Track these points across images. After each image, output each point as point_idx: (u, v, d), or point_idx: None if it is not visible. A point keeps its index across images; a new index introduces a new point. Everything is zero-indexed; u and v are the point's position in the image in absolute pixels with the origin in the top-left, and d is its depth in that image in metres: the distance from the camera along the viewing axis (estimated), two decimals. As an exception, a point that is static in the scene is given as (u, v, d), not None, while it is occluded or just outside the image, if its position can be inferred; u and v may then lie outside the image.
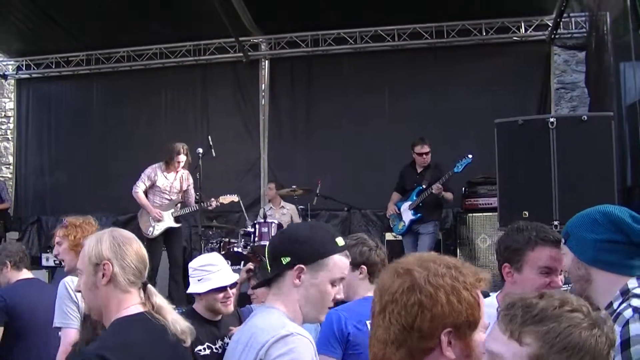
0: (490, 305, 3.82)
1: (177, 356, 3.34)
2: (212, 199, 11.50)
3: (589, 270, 3.16)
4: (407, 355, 2.21)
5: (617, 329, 2.83)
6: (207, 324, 5.23)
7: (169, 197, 11.83)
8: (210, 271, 5.26)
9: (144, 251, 3.46)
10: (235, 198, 11.87)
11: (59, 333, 5.20)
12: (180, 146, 11.63)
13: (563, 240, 3.32)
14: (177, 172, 11.79)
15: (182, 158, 11.64)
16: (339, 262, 3.16)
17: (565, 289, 4.09)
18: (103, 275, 3.33)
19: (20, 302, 6.03)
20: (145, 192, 11.78)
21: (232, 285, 5.29)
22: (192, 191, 12.00)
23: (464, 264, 2.32)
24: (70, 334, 5.05)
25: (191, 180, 12.00)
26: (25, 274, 6.44)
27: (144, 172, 11.78)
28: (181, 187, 11.90)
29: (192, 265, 5.36)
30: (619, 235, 3.10)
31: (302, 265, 3.11)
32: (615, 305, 3.03)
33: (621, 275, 3.10)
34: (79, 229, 5.45)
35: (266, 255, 3.27)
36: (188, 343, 3.33)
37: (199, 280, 5.21)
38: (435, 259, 2.31)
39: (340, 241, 3.20)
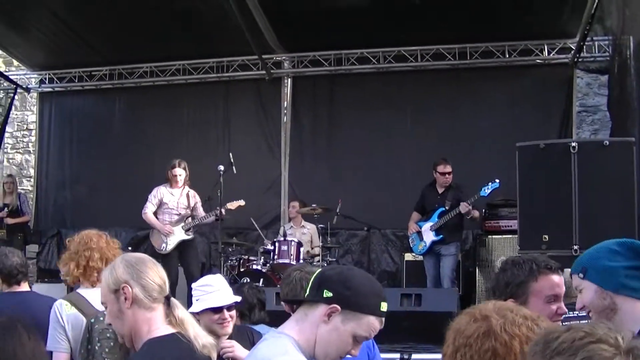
0: None
1: None
2: (221, 210, 11.47)
3: (615, 299, 3.14)
4: None
5: None
6: None
7: (177, 213, 11.88)
8: (207, 291, 5.20)
9: (159, 267, 3.47)
10: (241, 202, 11.79)
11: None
12: (175, 161, 11.82)
13: (581, 275, 3.28)
14: (181, 187, 11.90)
15: (178, 171, 11.76)
16: (372, 324, 3.08)
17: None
18: (125, 299, 3.36)
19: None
20: (155, 214, 11.88)
21: (230, 307, 5.24)
22: (201, 209, 12.05)
23: (540, 316, 2.32)
24: (58, 357, 5.07)
25: (198, 198, 12.09)
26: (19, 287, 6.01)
27: (150, 194, 11.92)
28: (189, 203, 11.94)
29: (193, 285, 5.36)
30: None
31: (339, 307, 3.04)
32: None
33: None
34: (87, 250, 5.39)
35: (312, 279, 3.21)
36: (214, 358, 3.32)
37: (197, 300, 5.20)
38: (513, 308, 2.31)
39: (384, 307, 3.13)
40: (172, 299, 3.42)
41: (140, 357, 3.41)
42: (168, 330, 3.36)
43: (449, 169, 11.47)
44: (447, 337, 2.38)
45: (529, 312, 2.29)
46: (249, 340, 5.29)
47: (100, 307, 5.21)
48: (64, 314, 5.09)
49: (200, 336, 3.36)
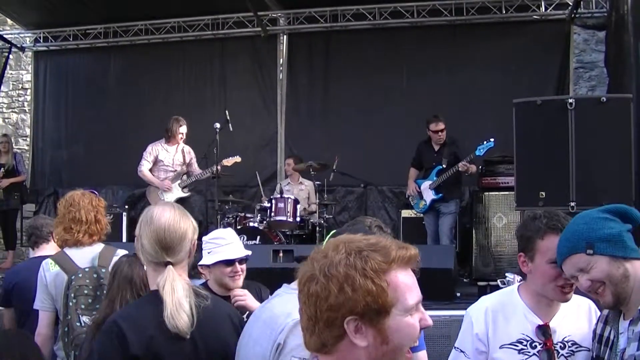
0: (508, 293, 3.82)
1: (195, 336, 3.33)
2: (217, 167, 11.49)
3: (625, 265, 3.13)
4: (320, 344, 2.20)
5: None
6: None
7: (172, 170, 11.90)
8: (220, 244, 5.24)
9: (166, 232, 3.43)
10: (237, 159, 11.84)
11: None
12: (180, 118, 11.82)
13: (590, 252, 3.18)
14: (177, 144, 11.88)
15: (184, 129, 11.78)
16: None
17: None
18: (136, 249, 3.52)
19: (20, 283, 5.90)
20: (150, 171, 11.89)
21: (242, 261, 5.27)
22: (196, 165, 12.09)
23: (380, 243, 2.23)
24: (44, 317, 5.18)
25: (194, 154, 12.11)
26: (43, 250, 6.16)
27: (145, 151, 11.91)
28: (184, 159, 11.94)
29: (204, 238, 5.35)
30: (633, 223, 3.17)
31: None
32: None
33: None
34: (71, 206, 5.45)
35: (327, 236, 3.23)
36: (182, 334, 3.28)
37: (208, 253, 5.21)
38: (342, 245, 2.22)
39: None
40: (169, 267, 3.40)
41: (128, 308, 3.77)
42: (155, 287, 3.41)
43: (441, 126, 11.42)
44: None
45: (362, 244, 2.22)
46: (258, 296, 5.32)
47: (84, 264, 5.25)
48: (47, 273, 5.17)
49: (177, 312, 3.28)
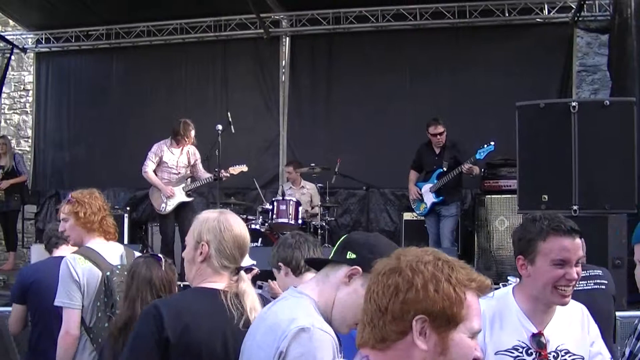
0: (503, 297, 3.79)
1: (228, 336, 3.42)
2: (222, 171, 11.45)
3: None
4: (380, 337, 2.21)
5: None
6: None
7: (176, 172, 11.81)
8: None
9: (243, 239, 3.64)
10: (244, 168, 11.79)
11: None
12: (190, 122, 11.69)
13: None
14: (183, 147, 11.81)
15: (194, 133, 11.69)
16: None
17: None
18: (200, 253, 3.60)
19: (39, 281, 5.77)
20: (154, 171, 11.80)
21: (246, 270, 5.26)
22: (200, 166, 12.00)
23: (464, 264, 2.28)
24: (72, 315, 4.99)
25: (198, 156, 12.01)
26: (63, 250, 6.13)
27: (150, 151, 11.80)
28: (189, 161, 11.88)
29: None
30: None
31: (360, 269, 3.06)
32: None
33: None
34: (87, 205, 5.31)
35: (338, 242, 3.24)
36: None
37: None
38: (431, 252, 2.30)
39: None
40: (242, 272, 3.60)
41: (174, 296, 4.07)
42: (214, 286, 3.56)
43: (440, 129, 11.39)
44: None
45: (449, 258, 2.28)
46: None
47: (114, 261, 5.22)
48: (79, 268, 5.03)
49: (254, 309, 3.49)
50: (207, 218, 3.67)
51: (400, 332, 2.17)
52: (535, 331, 3.52)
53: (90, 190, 5.52)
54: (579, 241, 3.51)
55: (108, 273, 5.03)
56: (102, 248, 5.25)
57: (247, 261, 5.33)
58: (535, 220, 3.63)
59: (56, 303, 5.01)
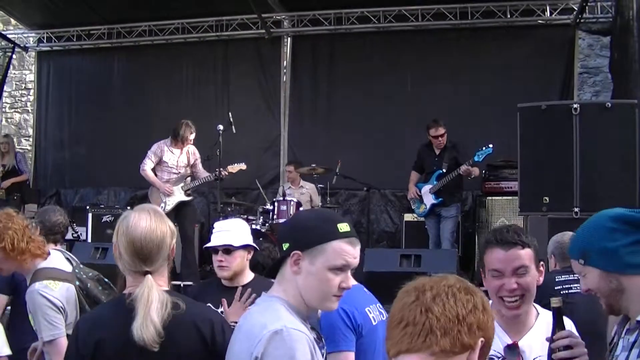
0: None
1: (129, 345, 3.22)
2: (220, 169, 11.41)
3: (620, 280, 3.06)
4: (449, 346, 2.12)
5: None
6: (224, 292, 5.22)
7: (176, 172, 11.78)
8: (214, 232, 5.30)
9: (140, 243, 3.36)
10: (243, 166, 11.72)
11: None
12: (191, 124, 11.65)
13: (582, 262, 3.17)
14: (183, 147, 11.80)
15: (194, 136, 11.67)
16: (339, 249, 3.00)
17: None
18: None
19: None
20: (154, 170, 11.77)
21: (227, 250, 5.21)
22: (200, 166, 11.98)
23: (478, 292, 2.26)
24: (62, 343, 4.58)
25: (198, 155, 11.99)
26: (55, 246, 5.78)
27: (149, 150, 11.78)
28: (188, 161, 11.85)
29: None
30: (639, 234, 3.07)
31: (299, 252, 3.00)
32: None
33: None
34: (9, 230, 4.74)
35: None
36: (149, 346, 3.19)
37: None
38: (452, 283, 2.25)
39: (343, 227, 3.05)
40: (148, 276, 3.32)
41: (91, 312, 4.02)
42: (127, 291, 3.38)
43: (441, 131, 11.37)
44: (402, 297, 2.28)
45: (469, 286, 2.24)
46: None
47: (68, 268, 5.07)
48: (55, 294, 4.74)
49: (146, 324, 3.19)
50: (122, 217, 3.49)
51: (468, 346, 2.13)
52: (510, 342, 3.50)
53: (5, 211, 4.95)
54: (515, 252, 3.48)
55: (77, 283, 4.89)
56: (51, 263, 4.93)
57: (223, 240, 5.30)
58: (489, 232, 3.67)
59: (46, 339, 4.66)
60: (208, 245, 5.26)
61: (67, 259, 5.13)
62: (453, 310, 2.14)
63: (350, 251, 3.04)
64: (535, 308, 3.64)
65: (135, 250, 3.34)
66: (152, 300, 3.24)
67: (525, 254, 3.48)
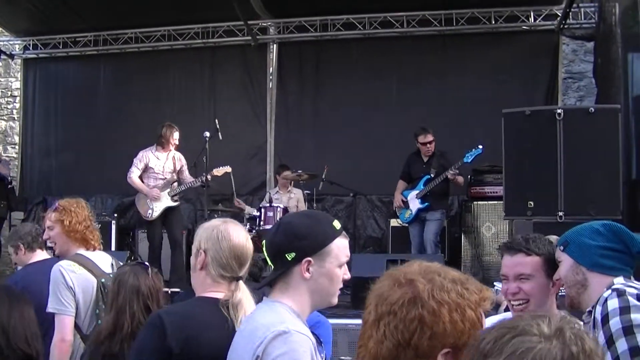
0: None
1: (225, 346, 3.29)
2: (205, 174, 11.41)
3: (587, 275, 3.33)
4: None
5: (598, 308, 3.12)
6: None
7: (162, 177, 11.80)
8: None
9: (243, 249, 3.61)
10: (228, 169, 11.72)
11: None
12: (173, 125, 11.75)
13: (561, 248, 3.44)
14: (169, 151, 11.82)
15: (177, 136, 11.72)
16: (341, 245, 3.14)
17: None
18: (197, 261, 3.61)
19: (29, 286, 5.49)
20: (140, 178, 11.80)
21: None
22: (187, 172, 11.99)
23: (469, 278, 2.20)
24: (65, 322, 4.95)
25: (184, 161, 12.00)
26: (40, 255, 6.29)
27: (135, 157, 11.82)
28: (174, 167, 11.87)
29: None
30: (619, 244, 3.32)
31: (310, 258, 3.07)
32: (602, 294, 3.20)
33: (614, 277, 3.28)
34: (73, 213, 5.31)
35: (266, 253, 3.21)
36: None
37: None
38: (440, 271, 2.19)
39: (337, 224, 3.19)
40: (241, 282, 3.58)
41: (177, 305, 4.12)
42: (215, 295, 3.55)
43: (429, 138, 11.44)
44: (368, 302, 2.26)
45: (457, 274, 2.20)
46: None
47: (106, 269, 5.24)
48: (73, 275, 5.02)
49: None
50: (209, 226, 3.67)
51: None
52: None
53: (77, 199, 5.53)
54: (519, 258, 3.60)
55: (103, 280, 5.04)
56: (93, 256, 5.27)
57: None
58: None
59: (49, 309, 4.95)
60: None
61: (112, 264, 5.38)
62: (394, 337, 2.11)
63: (347, 245, 3.21)
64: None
65: (237, 254, 3.59)
66: (250, 303, 3.54)
67: (531, 261, 3.58)
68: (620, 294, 3.09)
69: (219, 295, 3.55)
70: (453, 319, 2.05)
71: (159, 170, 11.74)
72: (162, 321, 3.37)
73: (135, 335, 3.93)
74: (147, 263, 4.64)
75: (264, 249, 3.20)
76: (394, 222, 12.64)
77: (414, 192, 11.46)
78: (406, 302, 2.10)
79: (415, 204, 11.43)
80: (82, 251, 5.30)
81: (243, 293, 3.55)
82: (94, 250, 5.38)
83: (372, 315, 2.18)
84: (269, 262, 3.21)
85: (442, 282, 2.12)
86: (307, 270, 3.08)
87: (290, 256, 3.08)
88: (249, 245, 3.66)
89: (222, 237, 3.57)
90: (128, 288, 4.34)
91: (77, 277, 5.03)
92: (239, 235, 3.62)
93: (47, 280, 5.11)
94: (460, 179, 11.25)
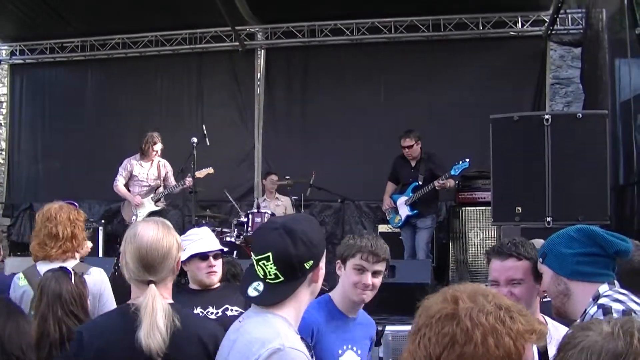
0: None
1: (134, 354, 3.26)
2: (188, 176, 11.40)
3: (568, 285, 3.33)
4: None
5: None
6: (195, 294, 5.27)
7: (147, 184, 11.90)
8: (193, 240, 5.27)
9: (148, 251, 3.41)
10: (210, 170, 11.72)
11: None
12: (155, 136, 11.77)
13: (540, 260, 3.46)
14: (152, 159, 11.87)
15: (159, 147, 11.78)
16: None
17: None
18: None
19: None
20: (126, 186, 11.90)
21: (217, 257, 5.30)
22: (172, 179, 12.01)
23: (522, 310, 2.13)
24: None
25: (169, 168, 12.06)
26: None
27: (120, 166, 11.89)
28: (159, 174, 11.92)
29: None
30: (595, 248, 3.30)
31: (319, 267, 3.10)
32: (587, 309, 3.18)
33: (597, 283, 3.27)
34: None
35: (277, 266, 3.00)
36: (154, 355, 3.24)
37: (183, 251, 5.23)
38: (488, 295, 2.14)
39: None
40: (152, 285, 3.38)
41: (96, 318, 4.08)
42: (131, 301, 3.44)
43: (407, 142, 11.30)
44: (417, 313, 2.23)
45: (508, 302, 2.13)
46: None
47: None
48: (18, 288, 5.03)
49: (153, 332, 3.25)
50: (130, 226, 3.60)
51: None
52: None
53: (53, 204, 5.53)
54: (509, 263, 3.65)
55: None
56: (46, 266, 5.00)
57: (215, 245, 5.34)
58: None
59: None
60: (200, 251, 5.22)
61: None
62: (426, 349, 2.09)
63: None
64: (545, 320, 3.68)
65: (141, 258, 3.40)
66: (157, 309, 3.29)
67: (522, 266, 3.63)
68: (606, 311, 3.06)
69: (134, 301, 3.44)
70: (487, 342, 2.00)
71: (143, 177, 11.82)
72: (81, 336, 3.35)
73: (64, 340, 3.99)
74: (70, 268, 4.60)
75: (261, 257, 3.02)
76: (382, 228, 12.61)
77: (403, 198, 11.41)
78: (443, 316, 2.08)
79: (404, 211, 11.39)
80: (40, 262, 5.18)
81: (150, 297, 3.34)
82: (51, 260, 5.18)
83: (414, 324, 2.19)
84: (277, 274, 3.01)
85: (485, 304, 2.08)
86: (317, 278, 3.10)
87: (308, 264, 3.03)
88: (160, 246, 3.44)
89: (130, 239, 3.45)
90: (50, 294, 4.30)
91: (20, 289, 5.04)
92: (147, 235, 3.44)
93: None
94: (450, 182, 11.17)
